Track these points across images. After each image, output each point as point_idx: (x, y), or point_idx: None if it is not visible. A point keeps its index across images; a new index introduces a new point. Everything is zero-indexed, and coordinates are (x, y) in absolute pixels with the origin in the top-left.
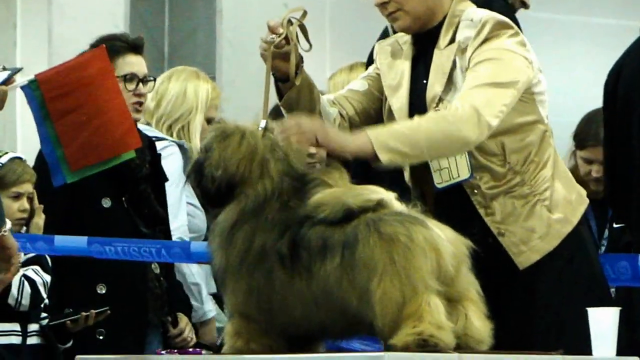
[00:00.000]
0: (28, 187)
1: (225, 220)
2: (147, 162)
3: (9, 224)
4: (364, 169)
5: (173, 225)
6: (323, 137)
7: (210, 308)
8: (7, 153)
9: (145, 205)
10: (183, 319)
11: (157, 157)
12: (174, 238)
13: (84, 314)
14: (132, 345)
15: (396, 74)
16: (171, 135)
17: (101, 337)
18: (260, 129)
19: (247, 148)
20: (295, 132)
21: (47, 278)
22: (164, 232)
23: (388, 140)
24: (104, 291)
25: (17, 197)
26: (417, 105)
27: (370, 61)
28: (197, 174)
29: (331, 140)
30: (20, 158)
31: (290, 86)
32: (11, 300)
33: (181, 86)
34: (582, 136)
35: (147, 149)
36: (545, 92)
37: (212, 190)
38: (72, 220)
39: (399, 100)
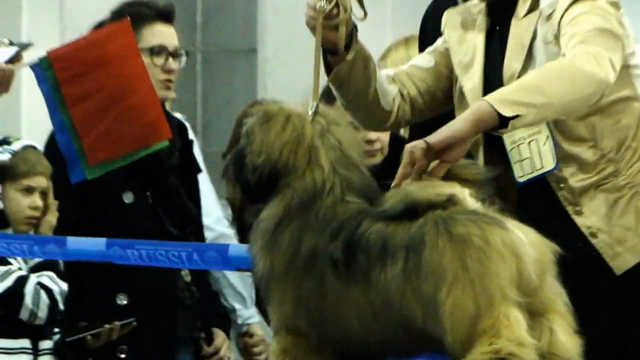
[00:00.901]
0: (41, 181)
1: (269, 217)
2: (176, 149)
3: None
4: None
5: (216, 214)
6: (434, 143)
7: None
8: (19, 139)
9: (174, 201)
10: (220, 335)
11: (189, 143)
12: (219, 229)
13: (107, 326)
14: None
15: (468, 50)
16: None
17: (123, 356)
18: (309, 112)
19: (292, 132)
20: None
21: (64, 286)
22: (196, 232)
23: (507, 95)
24: (125, 302)
25: (29, 191)
26: (493, 85)
27: (423, 33)
28: (236, 165)
29: (442, 137)
30: (34, 147)
31: (340, 59)
32: (25, 313)
33: None
34: None
35: (177, 135)
36: None
37: (253, 182)
38: (88, 219)
39: (471, 79)
